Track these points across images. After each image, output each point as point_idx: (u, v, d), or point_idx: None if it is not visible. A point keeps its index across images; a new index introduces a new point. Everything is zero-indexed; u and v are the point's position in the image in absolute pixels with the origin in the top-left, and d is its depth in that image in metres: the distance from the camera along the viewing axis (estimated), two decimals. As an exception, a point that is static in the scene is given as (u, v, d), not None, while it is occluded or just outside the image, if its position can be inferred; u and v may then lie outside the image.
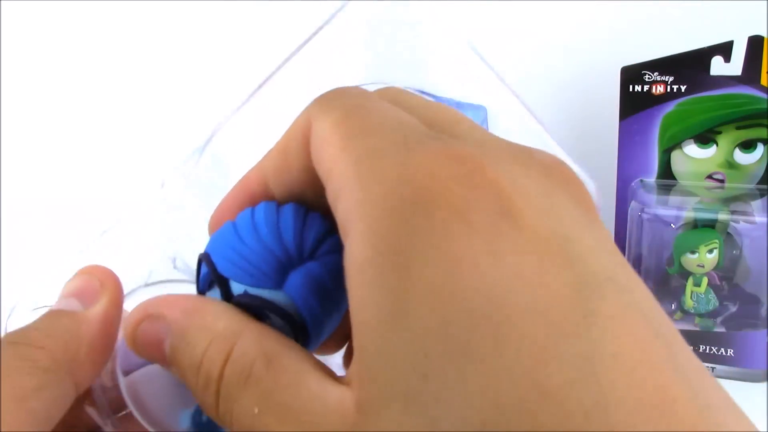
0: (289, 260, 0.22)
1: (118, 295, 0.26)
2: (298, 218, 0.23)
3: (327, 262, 0.22)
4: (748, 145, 0.59)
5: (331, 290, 0.22)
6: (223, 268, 0.22)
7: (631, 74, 0.60)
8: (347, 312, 0.23)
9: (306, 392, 0.18)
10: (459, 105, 0.69)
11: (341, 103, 0.21)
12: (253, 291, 0.22)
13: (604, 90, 0.65)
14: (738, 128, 0.59)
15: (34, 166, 0.72)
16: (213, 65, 0.70)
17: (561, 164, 0.20)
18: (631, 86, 0.61)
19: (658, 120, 0.61)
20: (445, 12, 0.69)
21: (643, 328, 0.16)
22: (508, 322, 0.16)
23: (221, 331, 0.20)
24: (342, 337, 0.25)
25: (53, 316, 0.25)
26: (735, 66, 0.58)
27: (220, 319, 0.21)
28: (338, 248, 0.22)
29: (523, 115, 0.76)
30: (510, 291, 0.16)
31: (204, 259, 0.23)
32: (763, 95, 0.58)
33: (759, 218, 0.56)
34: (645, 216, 0.58)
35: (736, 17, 0.65)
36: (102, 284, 0.26)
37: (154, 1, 0.69)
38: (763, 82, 0.57)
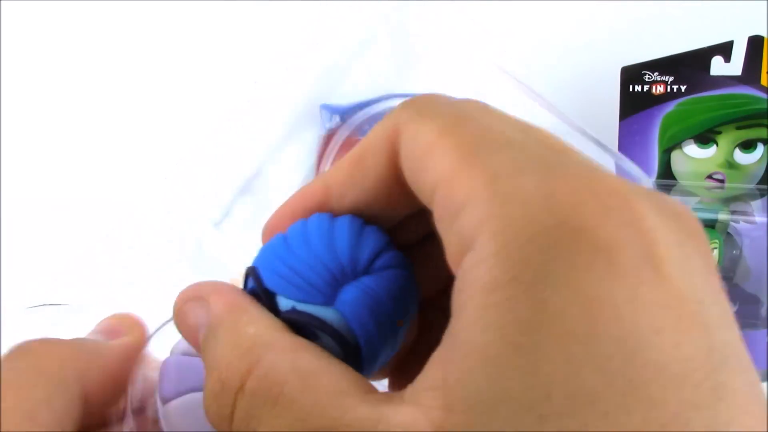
0: (343, 274, 0.20)
1: (141, 335, 0.25)
2: (354, 229, 0.21)
3: (385, 277, 0.20)
4: (748, 145, 0.59)
5: (388, 308, 0.20)
6: (269, 281, 0.20)
7: (631, 74, 0.60)
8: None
9: (353, 416, 0.16)
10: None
11: (444, 110, 0.20)
12: (301, 307, 0.20)
13: (604, 90, 0.65)
14: (738, 128, 0.59)
15: (34, 166, 0.72)
16: (213, 65, 0.70)
17: (688, 212, 0.19)
18: (631, 86, 0.61)
19: (658, 120, 0.61)
20: (445, 12, 0.69)
21: (760, 410, 0.16)
22: (641, 380, 0.15)
23: (249, 336, 0.18)
24: (394, 361, 0.23)
25: (72, 340, 0.25)
26: (735, 66, 0.58)
27: (253, 323, 0.19)
28: (398, 263, 0.21)
29: (523, 115, 0.75)
30: (647, 347, 0.15)
31: (250, 272, 0.21)
32: (763, 95, 0.57)
33: (759, 218, 0.56)
34: (645, 216, 0.58)
35: (736, 17, 0.65)
36: (128, 326, 0.26)
37: (157, 1, 0.69)
38: (763, 82, 0.57)
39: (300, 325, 0.19)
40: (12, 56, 0.71)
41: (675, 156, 0.61)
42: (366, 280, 0.20)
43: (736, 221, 0.57)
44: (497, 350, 0.15)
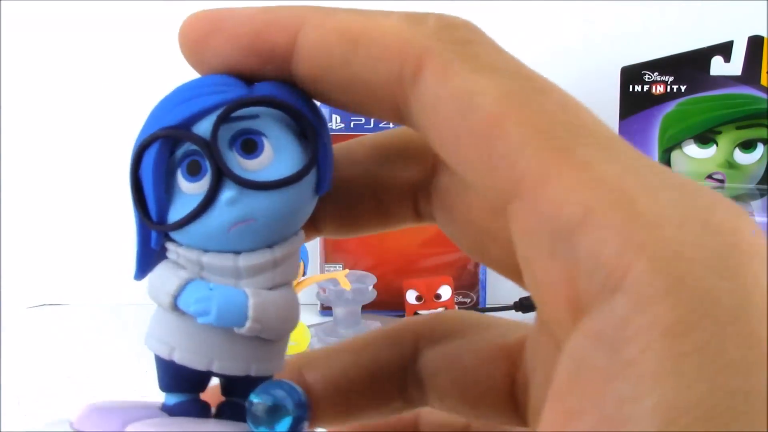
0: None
1: None
2: None
3: None
4: (748, 145, 0.59)
5: None
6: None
7: (631, 74, 0.60)
8: None
9: None
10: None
11: (499, 63, 0.16)
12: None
13: (604, 90, 0.65)
14: (738, 128, 0.59)
15: (34, 165, 0.73)
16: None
17: None
18: (631, 86, 0.61)
19: (658, 120, 0.61)
20: (445, 12, 0.70)
21: None
22: None
23: None
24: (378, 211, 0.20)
25: None
26: (735, 66, 0.58)
27: None
28: None
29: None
30: None
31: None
32: (763, 95, 0.58)
33: (759, 218, 0.56)
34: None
35: (736, 17, 0.65)
36: None
37: (158, 1, 0.69)
38: (763, 82, 0.58)
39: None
40: (12, 57, 0.71)
41: (675, 156, 0.61)
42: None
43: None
44: (716, 401, 0.13)
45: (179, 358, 0.18)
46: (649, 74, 0.60)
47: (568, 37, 0.68)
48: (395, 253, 0.67)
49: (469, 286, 0.69)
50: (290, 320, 0.19)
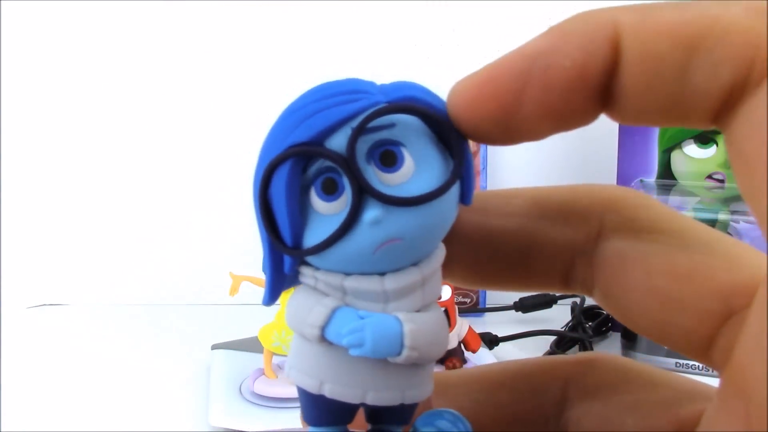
0: None
1: None
2: None
3: None
4: (748, 145, 0.59)
5: None
6: None
7: (631, 74, 0.60)
8: None
9: None
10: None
11: None
12: None
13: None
14: (738, 128, 0.59)
15: (34, 166, 0.72)
16: (213, 66, 0.70)
17: None
18: (631, 86, 0.61)
19: (658, 120, 0.61)
20: (445, 13, 0.69)
21: None
22: None
23: None
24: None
25: None
26: (735, 66, 0.58)
27: None
28: None
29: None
30: None
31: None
32: (763, 95, 0.57)
33: (759, 218, 0.56)
34: (645, 216, 0.58)
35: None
36: None
37: (161, 1, 0.69)
38: (763, 82, 0.57)
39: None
40: (12, 58, 0.71)
41: (675, 156, 0.61)
42: None
43: (736, 221, 0.57)
44: None
45: (330, 392, 0.17)
46: (649, 74, 0.60)
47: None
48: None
49: (469, 286, 0.69)
50: (443, 343, 0.18)
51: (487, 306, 0.69)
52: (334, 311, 0.17)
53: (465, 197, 0.17)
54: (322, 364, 0.17)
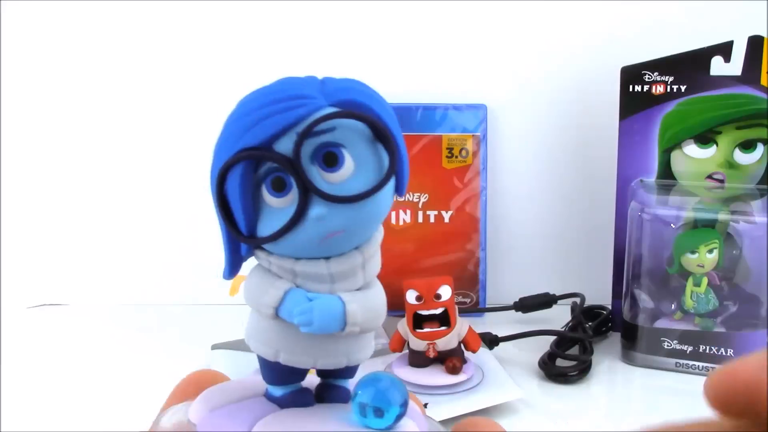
0: None
1: None
2: None
3: None
4: (748, 145, 0.59)
5: None
6: None
7: (631, 74, 0.60)
8: None
9: None
10: (457, 105, 0.69)
11: None
12: None
13: (604, 90, 0.65)
14: (738, 128, 0.59)
15: (34, 166, 0.72)
16: (214, 68, 0.70)
17: None
18: (631, 86, 0.61)
19: (658, 120, 0.61)
20: (445, 13, 0.69)
21: None
22: None
23: None
24: None
25: None
26: (735, 66, 0.58)
27: None
28: None
29: (523, 114, 0.76)
30: None
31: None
32: (763, 95, 0.58)
33: (759, 218, 0.56)
34: (645, 216, 0.58)
35: (736, 17, 0.65)
36: None
37: (159, 1, 0.69)
38: (763, 82, 0.57)
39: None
40: (13, 58, 0.71)
41: (675, 156, 0.61)
42: None
43: (736, 221, 0.57)
44: None
45: (285, 359, 0.20)
46: (649, 74, 0.60)
47: (568, 37, 0.68)
48: (395, 253, 0.67)
49: (469, 286, 0.69)
50: (382, 315, 0.20)
51: (487, 306, 0.69)
52: (286, 293, 0.19)
53: (399, 189, 0.20)
54: (277, 336, 0.20)
